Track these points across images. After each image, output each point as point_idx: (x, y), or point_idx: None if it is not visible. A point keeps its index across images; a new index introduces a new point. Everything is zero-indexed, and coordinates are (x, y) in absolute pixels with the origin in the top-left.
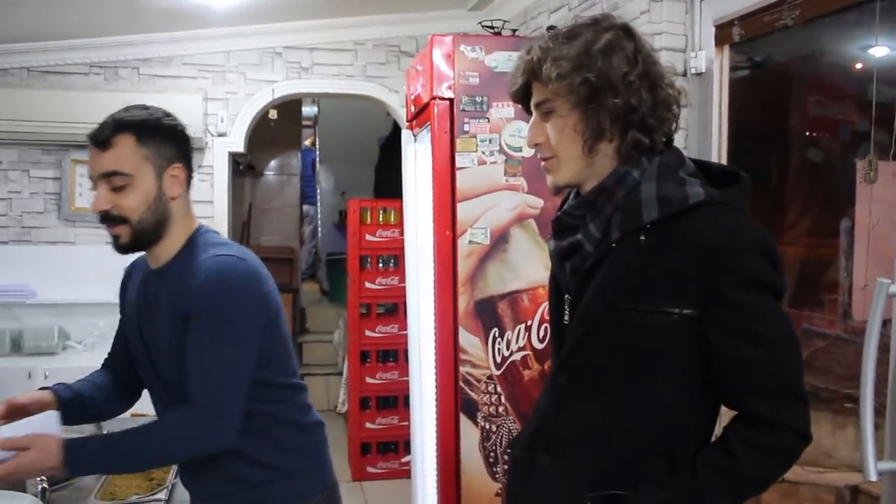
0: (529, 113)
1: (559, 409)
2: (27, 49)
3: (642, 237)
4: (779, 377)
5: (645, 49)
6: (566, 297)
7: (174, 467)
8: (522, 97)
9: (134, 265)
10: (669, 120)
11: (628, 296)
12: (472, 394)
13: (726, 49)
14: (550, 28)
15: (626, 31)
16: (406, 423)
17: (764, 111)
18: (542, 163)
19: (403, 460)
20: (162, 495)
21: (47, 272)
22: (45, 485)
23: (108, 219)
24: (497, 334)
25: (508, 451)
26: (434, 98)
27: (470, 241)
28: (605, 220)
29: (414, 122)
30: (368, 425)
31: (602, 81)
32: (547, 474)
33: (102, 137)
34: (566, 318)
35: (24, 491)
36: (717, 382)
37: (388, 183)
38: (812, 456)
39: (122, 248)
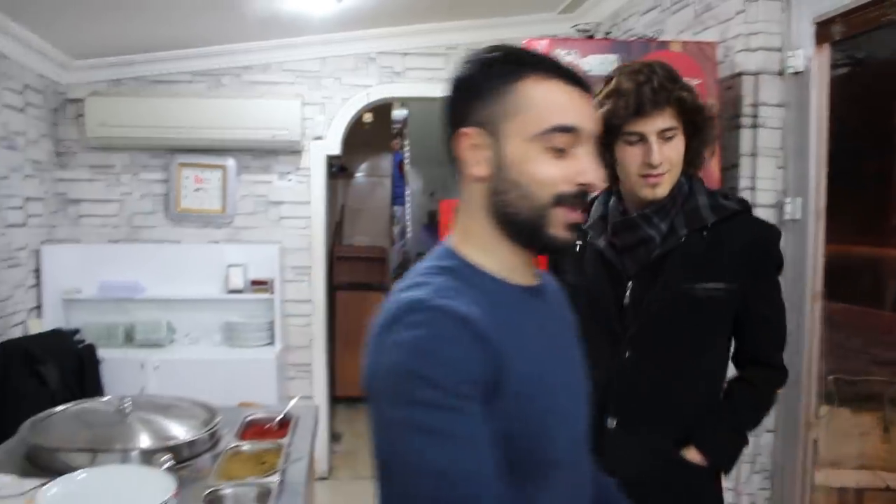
0: (610, 135)
1: (625, 379)
2: (137, 60)
3: (705, 233)
4: (783, 333)
5: None
6: (628, 283)
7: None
8: (620, 122)
9: (478, 305)
10: None
11: (695, 277)
12: None
13: (826, 47)
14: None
15: None
16: None
17: (866, 110)
18: (653, 179)
19: None
20: (276, 477)
21: (155, 269)
22: (172, 462)
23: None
24: None
25: None
26: None
27: None
28: (671, 221)
29: None
30: None
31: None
32: (619, 435)
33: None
34: (626, 301)
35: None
36: (739, 337)
37: None
38: None
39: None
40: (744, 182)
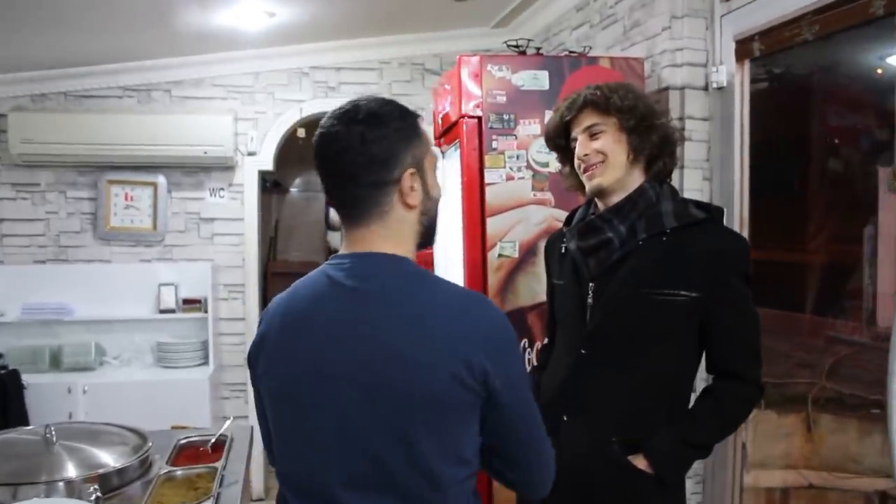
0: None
1: (581, 374)
2: (64, 75)
3: (664, 238)
4: (752, 343)
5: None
6: (590, 284)
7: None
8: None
9: None
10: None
11: (651, 282)
12: None
13: (747, 63)
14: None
15: None
16: None
17: (785, 122)
18: (588, 171)
19: None
20: (209, 503)
21: (84, 290)
22: (99, 493)
23: None
24: (527, 344)
25: None
26: (463, 116)
27: (499, 255)
28: (631, 224)
29: (442, 140)
30: None
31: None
32: (573, 427)
33: None
34: (590, 300)
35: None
36: (707, 348)
37: None
38: (840, 462)
39: None
40: None
